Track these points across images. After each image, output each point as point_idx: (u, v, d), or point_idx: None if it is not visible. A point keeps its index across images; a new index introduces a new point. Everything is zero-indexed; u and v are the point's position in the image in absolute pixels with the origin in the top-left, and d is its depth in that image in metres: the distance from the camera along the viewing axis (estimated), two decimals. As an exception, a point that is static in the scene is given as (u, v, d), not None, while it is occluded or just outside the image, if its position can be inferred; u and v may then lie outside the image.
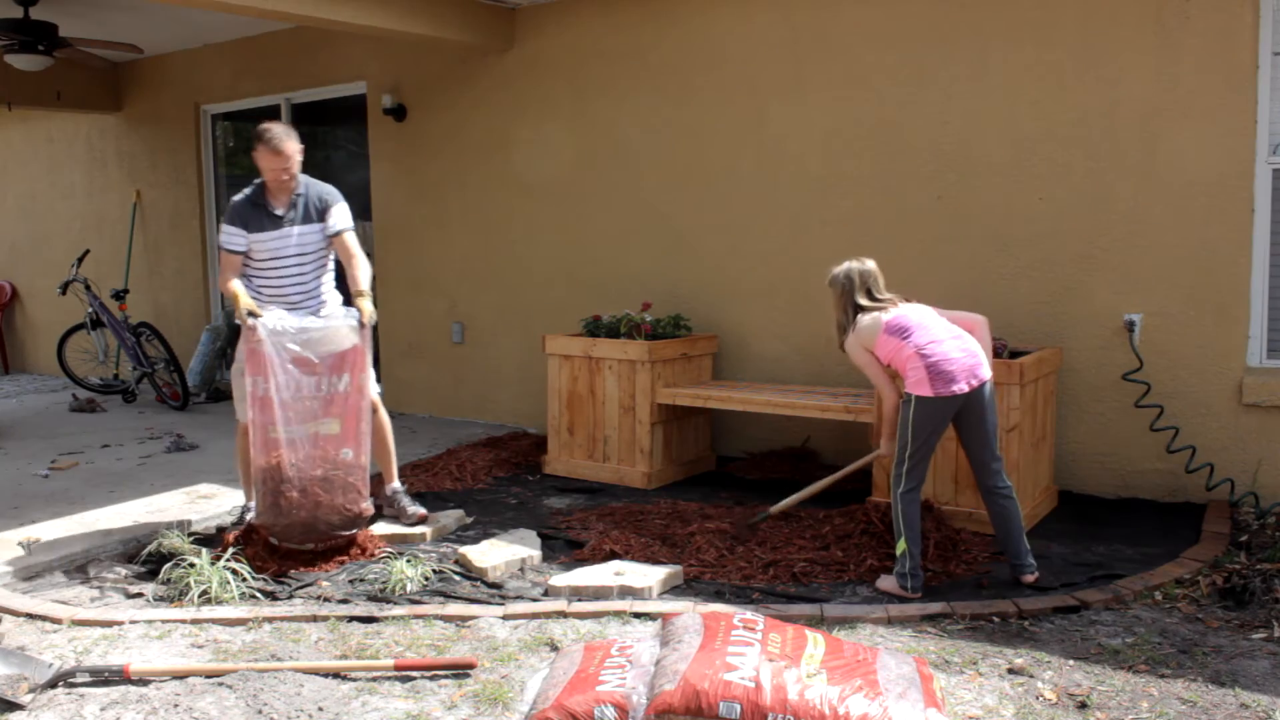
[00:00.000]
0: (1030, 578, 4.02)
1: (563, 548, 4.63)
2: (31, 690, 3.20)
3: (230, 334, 8.97)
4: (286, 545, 4.40)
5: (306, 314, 4.69)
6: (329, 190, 4.81)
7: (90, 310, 8.64)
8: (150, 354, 8.31)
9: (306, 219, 4.72)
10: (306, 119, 8.49)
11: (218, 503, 5.34)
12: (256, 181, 4.73)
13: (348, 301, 4.81)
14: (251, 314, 4.42)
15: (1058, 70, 5.22)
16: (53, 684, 3.26)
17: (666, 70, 6.44)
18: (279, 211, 4.68)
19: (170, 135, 9.23)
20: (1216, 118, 4.88)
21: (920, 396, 3.93)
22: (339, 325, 4.52)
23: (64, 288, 8.60)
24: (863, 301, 4.15)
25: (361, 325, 4.52)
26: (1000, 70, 5.37)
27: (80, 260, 8.81)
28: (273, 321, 4.42)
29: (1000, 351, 4.78)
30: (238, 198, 4.72)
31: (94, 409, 8.25)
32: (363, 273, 4.70)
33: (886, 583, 4.03)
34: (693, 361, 6.01)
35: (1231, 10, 4.81)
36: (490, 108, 7.22)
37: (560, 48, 6.86)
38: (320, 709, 3.07)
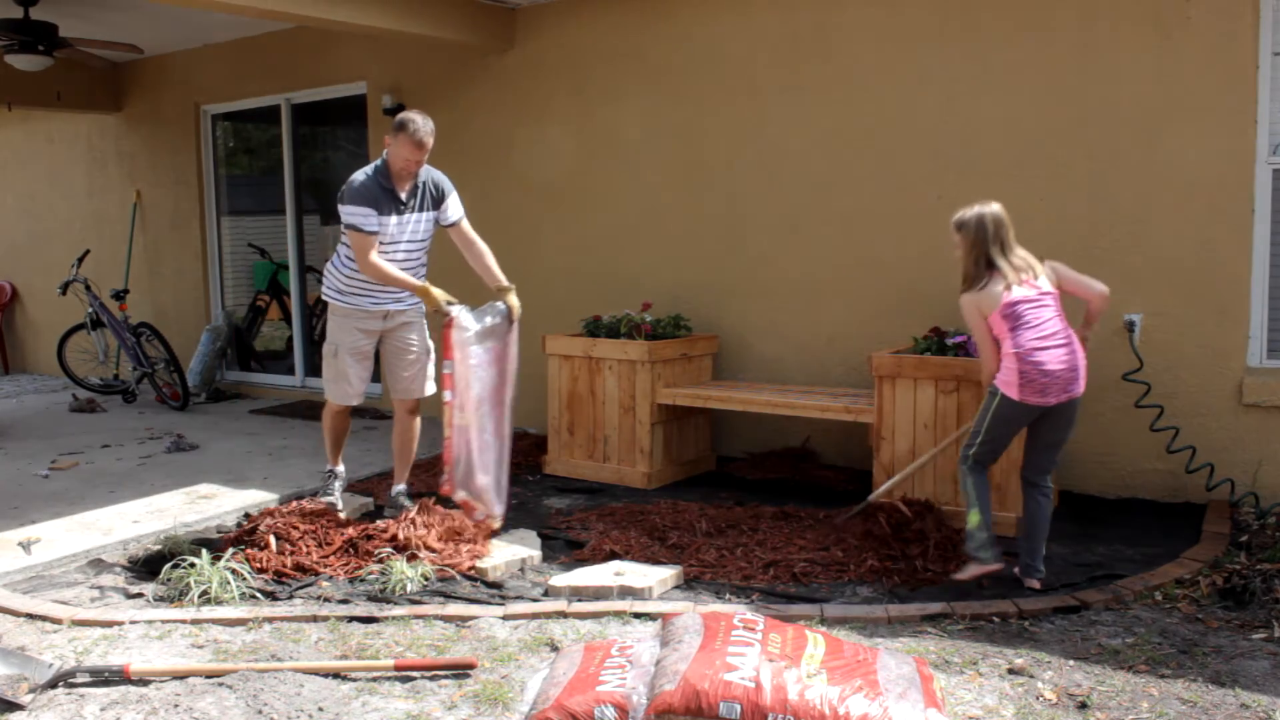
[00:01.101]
0: (1035, 583, 4.01)
1: (563, 548, 4.63)
2: (31, 690, 3.20)
3: (230, 333, 8.99)
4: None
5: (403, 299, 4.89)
6: (443, 178, 4.88)
7: (90, 310, 8.63)
8: (150, 354, 8.31)
9: (422, 206, 4.80)
10: (306, 119, 8.49)
11: (218, 503, 5.34)
12: (377, 164, 4.72)
13: None
14: (450, 302, 4.59)
15: (1058, 70, 5.22)
16: (53, 684, 3.26)
17: (666, 70, 6.44)
18: (403, 197, 4.73)
19: (170, 135, 9.22)
20: (1216, 118, 4.88)
21: (1006, 396, 3.88)
22: (501, 322, 4.69)
23: (64, 288, 8.60)
24: (997, 259, 3.90)
25: (510, 321, 4.71)
26: (1000, 70, 5.37)
27: (80, 260, 8.80)
28: (462, 312, 4.61)
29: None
30: (363, 179, 4.65)
31: (94, 409, 8.26)
32: (494, 263, 4.89)
33: (967, 572, 4.02)
34: (693, 361, 6.01)
35: (1231, 10, 4.81)
36: (490, 108, 7.22)
37: (560, 48, 6.86)
38: (320, 709, 3.07)
